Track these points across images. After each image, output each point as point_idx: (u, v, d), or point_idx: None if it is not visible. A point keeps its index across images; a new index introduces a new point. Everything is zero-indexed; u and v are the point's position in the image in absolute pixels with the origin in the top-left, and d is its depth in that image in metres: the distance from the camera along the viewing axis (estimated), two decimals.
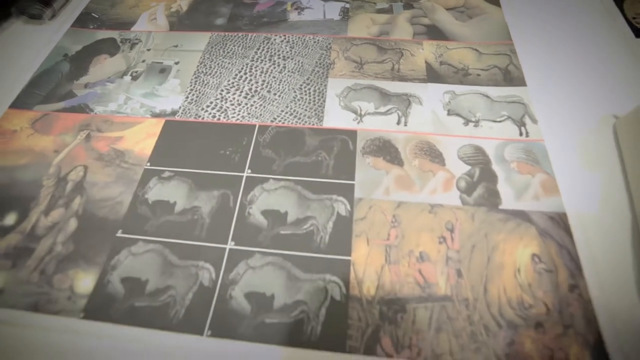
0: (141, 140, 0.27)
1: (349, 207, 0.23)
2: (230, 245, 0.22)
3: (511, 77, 0.29)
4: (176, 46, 0.33)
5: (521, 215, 0.22)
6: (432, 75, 0.29)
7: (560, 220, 0.22)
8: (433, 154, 0.25)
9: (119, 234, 0.23)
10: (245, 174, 0.25)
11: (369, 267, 0.21)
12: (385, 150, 0.26)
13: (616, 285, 0.20)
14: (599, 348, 0.18)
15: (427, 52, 0.31)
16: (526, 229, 0.22)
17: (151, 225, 0.23)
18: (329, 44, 0.32)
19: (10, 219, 0.24)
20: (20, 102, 0.30)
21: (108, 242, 0.23)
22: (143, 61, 0.32)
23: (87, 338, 0.19)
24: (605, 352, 0.18)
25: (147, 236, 0.23)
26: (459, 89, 0.28)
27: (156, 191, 0.25)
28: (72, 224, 0.24)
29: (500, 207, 0.23)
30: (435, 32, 0.32)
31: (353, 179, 0.24)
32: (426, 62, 0.30)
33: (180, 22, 0.35)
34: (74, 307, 0.20)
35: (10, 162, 0.26)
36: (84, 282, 0.21)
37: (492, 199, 0.23)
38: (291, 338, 0.19)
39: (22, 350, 0.19)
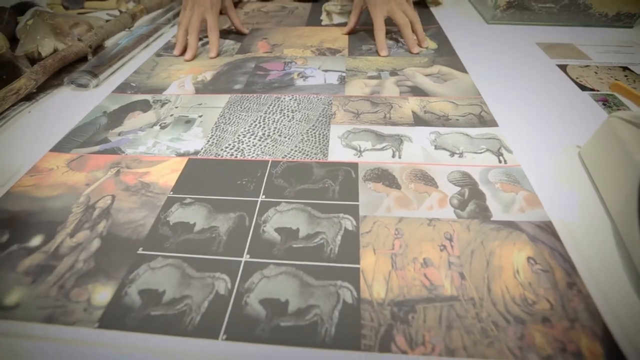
0: (166, 174, 0.30)
1: (355, 223, 0.25)
2: (245, 258, 0.24)
3: (485, 120, 0.34)
4: (200, 104, 0.39)
5: (511, 225, 0.25)
6: (419, 120, 0.35)
7: (547, 228, 0.24)
8: (426, 179, 0.29)
9: (140, 251, 0.24)
10: (259, 199, 0.28)
11: (377, 273, 0.22)
12: (384, 177, 0.29)
13: (609, 279, 0.21)
14: (608, 338, 0.19)
15: (412, 104, 0.37)
16: (518, 235, 0.24)
17: (171, 243, 0.25)
18: (330, 100, 0.38)
19: (36, 240, 0.25)
20: (59, 147, 0.33)
21: (128, 259, 0.24)
22: (171, 115, 0.37)
23: (100, 347, 0.19)
24: (614, 342, 0.19)
25: (167, 252, 0.24)
26: (442, 130, 0.33)
27: (177, 214, 0.27)
28: (96, 243, 0.25)
29: (492, 219, 0.25)
30: (417, 91, 0.39)
31: (357, 201, 0.27)
32: (412, 111, 0.36)
33: (204, 88, 0.42)
34: (90, 317, 0.21)
35: (43, 193, 0.29)
36: (102, 294, 0.22)
37: (483, 213, 0.26)
38: (306, 339, 0.19)
39: None
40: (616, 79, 0.40)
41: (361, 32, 0.54)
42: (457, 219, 0.25)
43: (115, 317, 0.21)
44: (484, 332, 0.19)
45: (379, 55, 0.47)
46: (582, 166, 0.29)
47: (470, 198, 0.27)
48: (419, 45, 0.48)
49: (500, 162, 0.30)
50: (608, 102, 0.36)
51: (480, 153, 0.31)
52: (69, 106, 0.39)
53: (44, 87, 0.42)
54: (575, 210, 0.25)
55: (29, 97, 0.40)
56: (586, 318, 0.20)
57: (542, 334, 0.19)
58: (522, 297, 0.21)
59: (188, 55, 0.48)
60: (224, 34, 0.56)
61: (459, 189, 0.28)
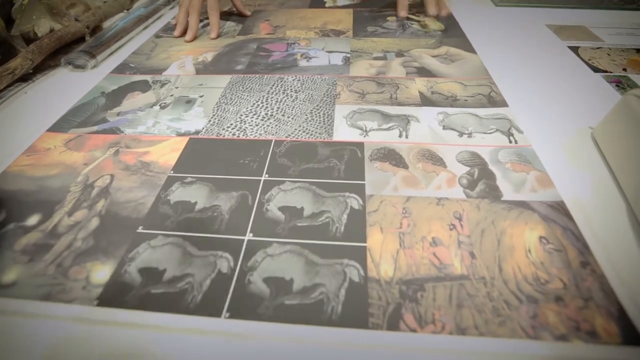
0: (166, 153, 0.29)
1: (361, 202, 0.25)
2: (248, 236, 0.23)
3: (494, 100, 0.33)
4: (201, 84, 0.38)
5: (523, 205, 0.24)
6: (426, 101, 0.34)
7: (559, 208, 0.24)
8: (434, 159, 0.28)
9: (140, 230, 0.24)
10: (262, 178, 0.27)
11: (385, 252, 0.22)
12: (391, 156, 0.28)
13: (624, 258, 0.20)
14: (623, 318, 0.18)
15: (419, 85, 0.36)
16: (529, 215, 0.23)
17: (172, 222, 0.24)
18: (335, 81, 0.37)
19: (33, 219, 0.25)
20: (57, 127, 0.33)
21: (128, 237, 0.23)
22: (171, 95, 0.36)
23: (100, 324, 0.19)
24: (630, 322, 0.18)
25: (168, 231, 0.23)
26: (450, 110, 0.32)
27: (178, 193, 0.26)
28: (94, 222, 0.24)
29: (502, 199, 0.24)
30: (424, 72, 0.38)
31: (363, 180, 0.26)
32: (419, 92, 0.35)
33: (205, 68, 0.40)
34: (89, 295, 0.20)
35: (41, 173, 0.28)
36: (101, 273, 0.21)
37: (493, 193, 0.25)
38: (312, 317, 0.19)
39: (33, 339, 0.18)
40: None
41: (366, 14, 0.53)
42: (467, 198, 0.25)
43: (115, 295, 0.20)
44: (496, 311, 0.19)
45: (398, 15, 0.49)
46: (595, 146, 0.28)
47: (480, 178, 0.26)
48: (439, 13, 0.49)
49: (510, 142, 0.29)
50: (622, 84, 0.35)
51: (490, 133, 0.30)
52: (67, 87, 0.38)
53: (40, 68, 0.41)
54: (588, 190, 0.25)
55: (26, 78, 0.39)
56: (600, 297, 0.19)
57: (555, 313, 0.19)
58: (535, 276, 0.20)
59: (188, 36, 0.47)
60: (226, 15, 0.55)
61: (468, 168, 0.27)
